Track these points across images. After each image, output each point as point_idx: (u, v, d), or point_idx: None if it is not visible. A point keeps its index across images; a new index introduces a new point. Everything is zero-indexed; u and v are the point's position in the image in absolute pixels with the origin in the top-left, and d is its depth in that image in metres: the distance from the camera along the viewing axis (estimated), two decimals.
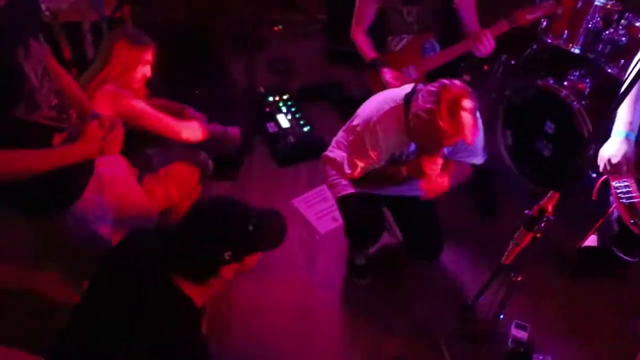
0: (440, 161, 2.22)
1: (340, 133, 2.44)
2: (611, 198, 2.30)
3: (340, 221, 2.99)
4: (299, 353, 2.48)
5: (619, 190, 2.23)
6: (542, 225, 1.81)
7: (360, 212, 2.42)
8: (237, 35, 4.05)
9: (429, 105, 1.96)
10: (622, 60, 2.80)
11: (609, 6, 2.83)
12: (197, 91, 3.26)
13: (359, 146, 2.27)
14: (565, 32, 2.99)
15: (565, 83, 2.94)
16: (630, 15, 2.77)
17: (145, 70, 2.40)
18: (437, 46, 2.90)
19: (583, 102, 2.82)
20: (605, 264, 2.73)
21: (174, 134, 2.44)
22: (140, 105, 2.35)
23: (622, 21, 2.80)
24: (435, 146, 2.13)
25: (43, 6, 2.88)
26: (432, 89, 1.99)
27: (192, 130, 2.51)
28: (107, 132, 1.90)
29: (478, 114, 2.06)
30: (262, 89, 3.77)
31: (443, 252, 2.76)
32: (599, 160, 2.21)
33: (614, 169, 2.15)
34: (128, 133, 2.17)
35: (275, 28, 4.48)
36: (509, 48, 3.20)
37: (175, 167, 2.52)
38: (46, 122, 1.76)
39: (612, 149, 2.15)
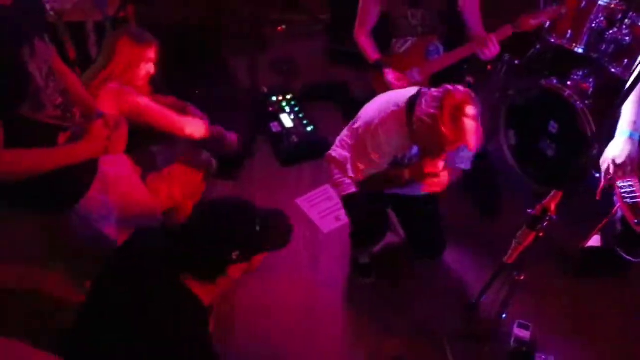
0: (442, 164, 2.23)
1: (344, 132, 2.45)
2: (615, 198, 2.29)
3: (344, 220, 3.00)
4: (303, 352, 2.48)
5: (623, 190, 2.22)
6: (545, 224, 1.81)
7: (366, 210, 2.43)
8: (240, 35, 4.06)
9: (432, 111, 1.97)
10: (626, 60, 2.80)
11: (612, 6, 2.82)
12: (197, 91, 3.26)
13: (361, 148, 2.28)
14: (569, 31, 2.99)
15: (569, 83, 2.94)
16: (634, 14, 2.77)
17: (148, 68, 2.42)
18: (442, 49, 2.89)
19: (586, 102, 2.82)
20: (608, 264, 2.73)
21: (178, 129, 2.45)
22: (145, 101, 2.37)
23: (626, 21, 2.80)
24: (438, 150, 2.14)
25: (47, 6, 2.89)
26: (436, 94, 1.99)
27: (195, 127, 2.52)
28: (111, 131, 1.91)
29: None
30: (265, 89, 3.78)
31: (446, 252, 2.77)
32: (602, 161, 2.21)
33: (619, 169, 2.14)
34: (131, 131, 2.19)
35: (279, 28, 4.49)
36: (513, 48, 3.20)
37: (179, 166, 2.53)
38: (51, 121, 1.76)
39: (616, 149, 2.15)
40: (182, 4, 3.84)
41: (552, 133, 3.00)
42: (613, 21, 2.84)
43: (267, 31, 4.40)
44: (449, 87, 2.01)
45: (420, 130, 2.05)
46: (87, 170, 1.95)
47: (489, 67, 3.42)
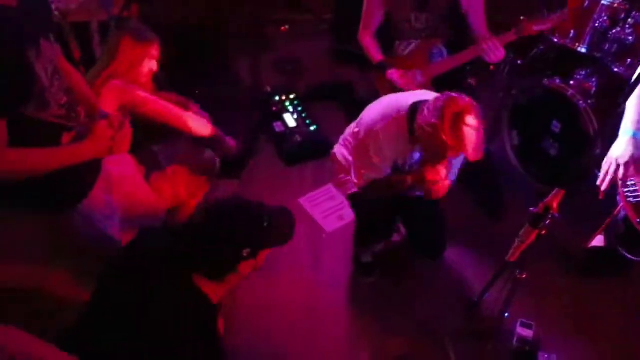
0: (444, 171, 2.23)
1: (348, 131, 2.46)
2: (618, 197, 2.29)
3: (346, 220, 3.01)
4: (305, 352, 2.49)
5: (626, 189, 2.23)
6: (547, 222, 1.81)
7: (372, 207, 2.44)
8: (243, 35, 4.07)
9: (433, 120, 1.97)
10: (629, 59, 2.81)
11: (615, 5, 2.83)
12: (197, 91, 3.28)
13: (363, 151, 2.30)
14: (572, 31, 2.99)
15: (572, 82, 2.94)
16: (637, 14, 2.78)
17: (151, 65, 2.44)
18: (445, 51, 2.89)
19: (589, 101, 2.81)
20: (612, 264, 2.73)
21: (181, 123, 2.47)
22: (146, 94, 2.40)
23: (629, 20, 2.80)
24: (439, 157, 2.15)
25: (52, 6, 2.91)
26: (438, 103, 2.00)
27: (198, 122, 2.54)
28: (115, 131, 1.92)
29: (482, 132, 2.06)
30: (269, 89, 3.79)
31: (448, 251, 2.78)
32: (605, 161, 2.21)
33: (622, 169, 2.15)
34: (134, 130, 2.20)
35: (282, 28, 4.50)
36: (516, 48, 3.20)
37: (182, 165, 2.54)
38: (55, 120, 1.77)
39: (620, 149, 2.15)
40: (185, 4, 3.85)
41: (555, 133, 3.00)
42: (616, 21, 2.84)
43: (271, 31, 4.41)
44: (452, 94, 2.02)
45: (422, 138, 2.06)
46: (91, 170, 1.96)
47: (491, 67, 3.43)
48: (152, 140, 2.49)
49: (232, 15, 4.16)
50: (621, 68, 2.83)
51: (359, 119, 2.38)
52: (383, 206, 2.49)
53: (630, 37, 2.79)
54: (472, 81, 3.09)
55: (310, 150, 3.42)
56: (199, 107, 2.74)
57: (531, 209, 1.85)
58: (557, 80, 2.94)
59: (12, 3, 1.61)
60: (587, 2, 2.88)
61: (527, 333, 2.43)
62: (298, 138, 3.46)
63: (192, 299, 1.69)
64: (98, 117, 1.98)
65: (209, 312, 1.73)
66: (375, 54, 2.88)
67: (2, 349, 1.43)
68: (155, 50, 2.43)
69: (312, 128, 3.54)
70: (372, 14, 2.87)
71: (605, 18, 2.86)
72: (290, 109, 3.66)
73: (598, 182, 2.22)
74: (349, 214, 2.98)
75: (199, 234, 1.71)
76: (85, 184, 1.95)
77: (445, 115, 1.95)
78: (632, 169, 2.14)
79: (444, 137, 1.95)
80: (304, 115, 3.61)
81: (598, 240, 2.68)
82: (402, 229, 2.87)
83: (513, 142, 3.24)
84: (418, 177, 2.26)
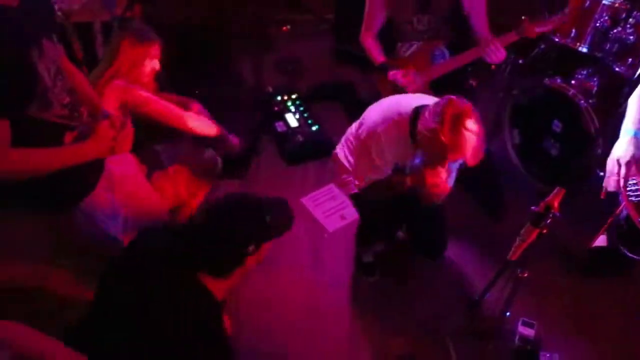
0: (444, 175, 2.24)
1: (350, 131, 2.47)
2: (620, 197, 2.29)
3: (349, 219, 3.00)
4: (305, 352, 2.49)
5: (628, 188, 2.23)
6: (548, 221, 1.82)
7: (374, 206, 2.45)
8: (245, 35, 4.07)
9: (433, 125, 1.99)
10: (630, 59, 2.81)
11: (617, 5, 2.82)
12: (197, 91, 3.29)
13: (364, 153, 2.31)
14: (573, 31, 2.99)
15: (573, 82, 2.94)
16: (638, 13, 2.77)
17: (153, 64, 2.45)
18: (447, 53, 2.90)
19: (590, 101, 2.82)
20: (613, 264, 2.72)
21: (182, 124, 2.48)
22: (147, 93, 2.41)
23: (630, 20, 2.80)
24: (440, 159, 2.15)
25: (55, 7, 2.92)
26: (438, 107, 2.01)
27: (202, 122, 2.54)
28: (117, 132, 1.93)
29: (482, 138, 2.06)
30: (270, 89, 3.80)
31: (449, 250, 2.79)
32: (608, 161, 2.21)
33: (624, 169, 2.15)
34: (136, 130, 2.21)
35: (284, 28, 4.50)
36: (517, 47, 3.20)
37: (184, 165, 2.55)
38: (58, 120, 1.78)
39: (621, 149, 2.15)
40: (187, 4, 3.86)
41: (556, 132, 3.00)
42: (617, 20, 2.84)
43: (272, 31, 4.41)
44: (453, 97, 2.03)
45: (422, 143, 2.09)
46: (93, 169, 1.97)
47: (493, 67, 3.43)
48: (154, 140, 2.50)
49: (234, 15, 4.17)
50: (622, 68, 2.83)
51: (360, 119, 2.39)
52: (384, 206, 2.49)
53: (632, 37, 2.79)
54: (473, 82, 3.10)
55: (312, 150, 3.43)
56: (201, 106, 2.75)
57: (532, 207, 1.86)
58: (558, 80, 2.94)
59: (14, 3, 1.62)
60: (588, 2, 2.88)
61: (529, 332, 2.44)
62: (300, 138, 3.47)
63: (192, 299, 1.69)
64: (101, 117, 1.99)
65: (211, 310, 1.73)
66: (377, 55, 2.89)
67: (9, 347, 1.44)
68: (156, 50, 2.44)
69: (314, 128, 3.54)
70: (374, 16, 2.87)
71: (606, 18, 2.86)
72: (292, 108, 3.66)
73: (604, 184, 2.22)
74: (350, 214, 2.96)
75: (200, 234, 1.72)
76: (87, 184, 1.96)
77: (445, 118, 1.96)
78: (633, 168, 2.14)
79: (443, 138, 1.96)
80: (305, 115, 3.62)
81: (601, 240, 2.68)
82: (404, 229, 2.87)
83: (514, 141, 3.24)
84: (418, 180, 2.27)
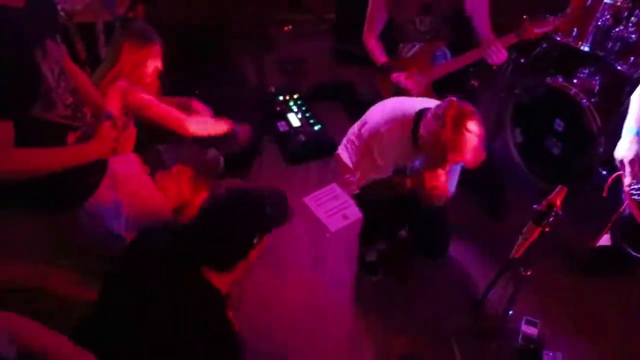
0: (443, 177, 2.25)
1: (352, 131, 2.47)
2: (623, 195, 2.29)
3: (351, 219, 3.01)
4: (307, 351, 2.49)
5: (631, 187, 2.23)
6: (551, 220, 1.82)
7: (376, 206, 2.45)
8: (246, 36, 4.08)
9: (434, 127, 2.00)
10: (632, 58, 2.81)
11: (618, 3, 2.83)
12: (197, 91, 3.29)
13: (367, 154, 2.32)
14: (575, 30, 2.99)
15: (575, 81, 2.94)
16: None
17: (156, 64, 2.45)
18: (449, 54, 2.90)
19: (592, 100, 2.82)
20: (617, 263, 2.72)
21: (182, 128, 2.48)
22: (149, 96, 2.41)
23: (632, 18, 2.81)
24: (440, 161, 2.16)
25: (58, 7, 2.93)
26: (439, 109, 2.02)
27: (201, 125, 2.55)
28: (120, 132, 1.93)
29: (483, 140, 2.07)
30: (272, 89, 3.81)
31: (451, 250, 2.78)
32: (616, 161, 2.21)
33: (627, 168, 2.15)
34: (138, 130, 2.21)
35: (285, 28, 4.51)
36: (519, 47, 3.19)
37: (186, 165, 2.55)
38: (61, 120, 1.78)
39: (624, 149, 2.15)
40: (188, 5, 3.87)
41: (558, 131, 3.00)
42: (619, 19, 2.85)
43: (273, 31, 4.42)
44: (454, 99, 2.04)
45: (424, 146, 2.11)
46: (95, 169, 1.96)
47: (494, 67, 3.43)
48: (156, 140, 2.51)
49: (235, 15, 4.18)
50: (624, 66, 2.84)
51: (362, 119, 2.40)
52: (386, 205, 2.50)
53: (633, 35, 2.79)
54: (474, 83, 3.10)
55: (314, 150, 3.43)
56: (202, 105, 2.75)
57: (535, 206, 1.87)
58: (560, 79, 2.94)
59: (20, 4, 1.62)
60: (589, 1, 2.88)
61: (532, 331, 2.44)
62: (302, 137, 3.47)
63: (193, 298, 1.70)
64: (104, 118, 1.99)
65: (214, 307, 1.74)
66: (379, 56, 2.89)
67: (15, 339, 1.44)
68: (158, 50, 2.44)
69: (316, 127, 3.55)
70: (376, 17, 2.88)
71: (608, 16, 2.87)
72: (294, 108, 3.67)
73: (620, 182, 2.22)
74: (353, 213, 2.97)
75: (203, 233, 1.73)
76: (89, 184, 1.95)
77: (446, 119, 1.97)
78: (637, 167, 2.14)
79: (444, 139, 1.97)
80: (307, 114, 3.63)
81: (605, 240, 2.68)
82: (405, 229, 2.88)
83: (516, 140, 3.24)
84: (418, 181, 2.28)
